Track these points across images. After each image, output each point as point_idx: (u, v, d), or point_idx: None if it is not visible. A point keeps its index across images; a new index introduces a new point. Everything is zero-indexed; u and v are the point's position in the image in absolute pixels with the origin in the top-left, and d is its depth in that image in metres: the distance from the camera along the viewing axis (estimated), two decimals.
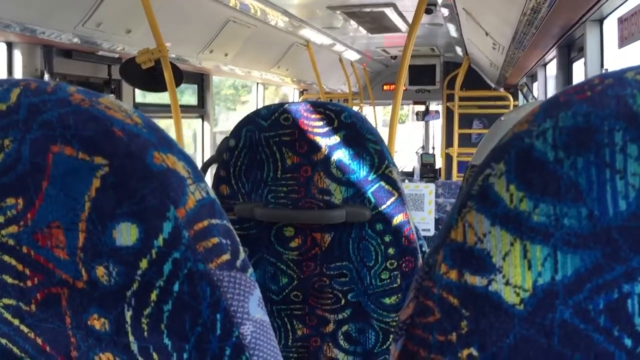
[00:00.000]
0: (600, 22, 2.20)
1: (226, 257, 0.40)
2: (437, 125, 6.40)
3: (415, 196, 3.42)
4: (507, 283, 0.34)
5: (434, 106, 6.33)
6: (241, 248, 0.42)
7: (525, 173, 0.33)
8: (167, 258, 0.39)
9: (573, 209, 0.32)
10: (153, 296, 0.39)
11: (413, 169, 5.68)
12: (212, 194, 0.42)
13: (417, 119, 6.29)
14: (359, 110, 6.12)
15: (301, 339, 1.19)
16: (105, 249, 0.39)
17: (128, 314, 0.39)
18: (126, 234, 0.38)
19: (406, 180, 4.37)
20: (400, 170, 5.88)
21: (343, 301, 1.16)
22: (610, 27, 2.18)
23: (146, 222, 0.38)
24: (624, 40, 1.88)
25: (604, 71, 1.98)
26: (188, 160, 0.42)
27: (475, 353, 0.35)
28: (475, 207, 0.35)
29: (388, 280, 1.13)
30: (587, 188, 0.32)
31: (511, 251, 0.34)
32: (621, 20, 1.91)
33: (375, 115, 6.11)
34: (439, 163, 5.85)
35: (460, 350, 0.36)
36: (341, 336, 1.17)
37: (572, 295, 0.33)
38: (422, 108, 6.27)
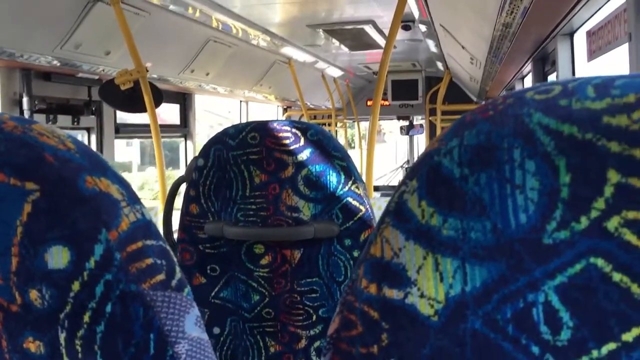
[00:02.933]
0: (571, 35, 2.25)
1: (160, 277, 0.41)
2: (421, 140, 6.46)
3: None
4: (421, 295, 0.35)
5: (418, 120, 6.39)
6: (177, 268, 0.43)
7: (435, 189, 0.35)
8: (99, 280, 0.39)
9: (478, 223, 0.34)
10: (86, 318, 0.40)
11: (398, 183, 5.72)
12: (148, 215, 0.43)
13: (402, 134, 6.34)
14: (342, 126, 6.16)
15: (274, 356, 1.20)
16: (38, 273, 0.40)
17: (62, 337, 0.40)
18: (58, 257, 0.39)
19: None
20: (387, 184, 5.93)
21: (314, 317, 1.16)
22: (581, 40, 2.22)
23: (77, 245, 0.39)
24: (592, 54, 1.92)
25: None
26: (123, 183, 0.43)
27: None
28: (391, 223, 0.36)
29: None
30: (490, 203, 0.33)
31: (424, 264, 0.35)
32: (589, 34, 1.95)
33: (359, 131, 6.15)
34: None
35: None
36: (313, 352, 1.18)
37: (481, 305, 0.34)
38: (405, 123, 6.34)
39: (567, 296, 0.33)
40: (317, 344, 1.17)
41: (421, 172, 0.36)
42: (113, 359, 0.40)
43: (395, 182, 6.46)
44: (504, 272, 0.34)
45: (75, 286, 0.39)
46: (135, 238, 0.41)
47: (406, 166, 6.35)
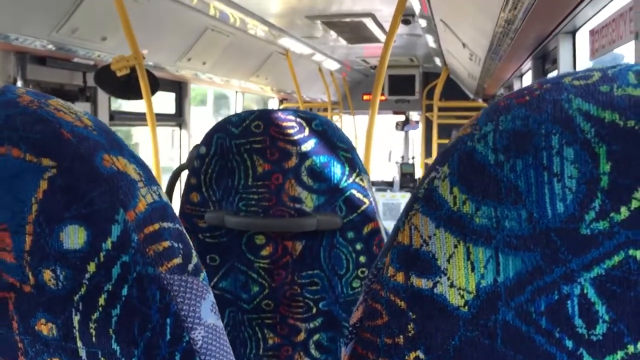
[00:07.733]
0: (573, 34, 2.25)
1: (177, 260, 0.40)
2: (416, 136, 6.46)
3: (392, 205, 3.44)
4: (451, 285, 0.34)
5: (414, 116, 6.39)
6: (194, 252, 0.42)
7: (468, 176, 0.34)
8: (116, 262, 0.38)
9: (513, 211, 0.33)
10: (101, 300, 0.38)
11: (393, 179, 5.72)
12: (165, 197, 0.42)
13: (397, 129, 6.33)
14: (339, 120, 6.14)
15: (272, 348, 1.19)
16: (53, 253, 0.38)
17: (76, 319, 0.39)
18: (74, 237, 0.38)
19: (388, 190, 4.39)
20: (380, 180, 5.94)
21: (314, 310, 1.15)
22: (583, 39, 2.22)
23: (94, 225, 0.38)
24: (595, 53, 1.92)
25: None
26: (140, 163, 0.41)
27: (422, 356, 0.35)
28: (420, 210, 0.35)
29: (359, 289, 1.13)
30: (526, 190, 0.32)
31: (455, 253, 0.34)
32: (592, 33, 1.95)
33: (355, 125, 6.13)
34: (419, 173, 5.89)
35: (407, 353, 0.36)
36: (312, 345, 1.17)
37: (514, 297, 0.33)
38: (402, 118, 6.33)
39: (604, 289, 0.32)
40: (316, 337, 1.16)
41: (453, 157, 0.35)
42: (128, 343, 0.39)
43: (389, 178, 6.46)
44: (539, 262, 0.33)
45: (91, 267, 0.38)
46: (152, 220, 0.40)
47: (400, 162, 6.35)
